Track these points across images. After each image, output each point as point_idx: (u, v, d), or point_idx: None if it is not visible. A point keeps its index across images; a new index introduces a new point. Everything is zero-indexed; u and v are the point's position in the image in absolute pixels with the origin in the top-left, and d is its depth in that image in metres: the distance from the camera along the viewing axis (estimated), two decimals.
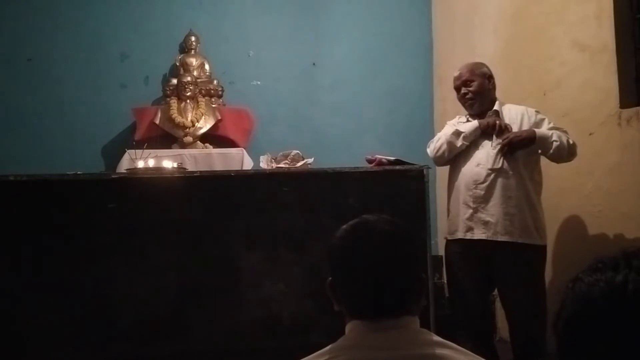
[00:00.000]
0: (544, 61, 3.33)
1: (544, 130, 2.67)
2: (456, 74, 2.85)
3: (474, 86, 2.77)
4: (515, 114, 2.76)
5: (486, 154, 2.68)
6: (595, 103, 2.87)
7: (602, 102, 2.82)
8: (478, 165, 2.68)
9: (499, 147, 2.64)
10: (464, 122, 2.83)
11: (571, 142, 2.66)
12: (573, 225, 3.03)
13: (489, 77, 2.82)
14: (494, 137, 2.69)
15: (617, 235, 2.70)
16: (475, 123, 2.73)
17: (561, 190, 2.92)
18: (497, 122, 2.67)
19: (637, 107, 2.66)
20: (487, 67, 2.86)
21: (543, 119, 2.74)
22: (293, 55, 4.96)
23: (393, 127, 4.92)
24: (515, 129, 2.68)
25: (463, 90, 2.80)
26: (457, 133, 2.74)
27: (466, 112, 2.86)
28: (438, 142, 2.80)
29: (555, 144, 2.62)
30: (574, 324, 0.72)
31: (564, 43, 3.14)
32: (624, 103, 2.73)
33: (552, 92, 3.23)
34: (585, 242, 2.92)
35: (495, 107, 2.77)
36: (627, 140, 2.66)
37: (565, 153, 2.66)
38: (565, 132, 2.70)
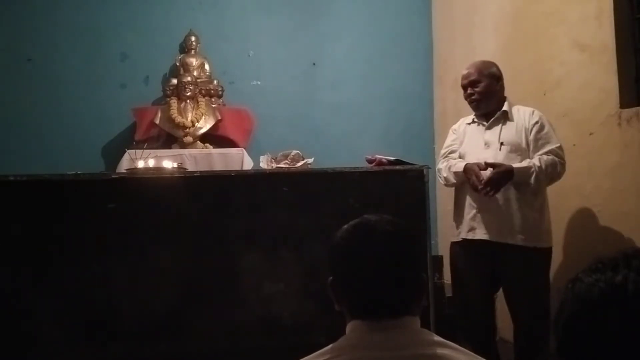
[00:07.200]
0: (544, 61, 3.33)
1: (523, 164, 2.58)
2: (464, 72, 2.78)
3: (480, 87, 2.71)
4: (523, 116, 2.70)
5: (493, 154, 2.65)
6: (595, 103, 2.87)
7: (602, 102, 2.82)
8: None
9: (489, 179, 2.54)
10: (468, 124, 2.82)
11: (558, 169, 2.59)
12: (573, 226, 3.03)
13: (498, 78, 2.74)
14: (499, 138, 2.67)
15: (618, 235, 2.69)
16: (461, 167, 2.67)
17: (561, 190, 2.92)
18: (476, 183, 2.57)
19: (637, 107, 2.66)
20: (496, 67, 2.78)
21: (540, 130, 2.64)
22: (293, 55, 4.96)
23: (393, 127, 4.92)
24: (522, 132, 2.65)
25: (469, 90, 2.74)
26: (452, 173, 2.72)
27: (472, 112, 2.84)
28: (442, 173, 2.80)
29: (534, 175, 2.55)
30: (574, 324, 0.72)
31: (564, 43, 3.14)
32: (624, 103, 2.72)
33: (552, 92, 3.23)
34: (586, 242, 2.92)
35: (505, 108, 2.71)
36: (627, 140, 2.66)
37: (547, 179, 2.60)
38: (559, 148, 2.62)
